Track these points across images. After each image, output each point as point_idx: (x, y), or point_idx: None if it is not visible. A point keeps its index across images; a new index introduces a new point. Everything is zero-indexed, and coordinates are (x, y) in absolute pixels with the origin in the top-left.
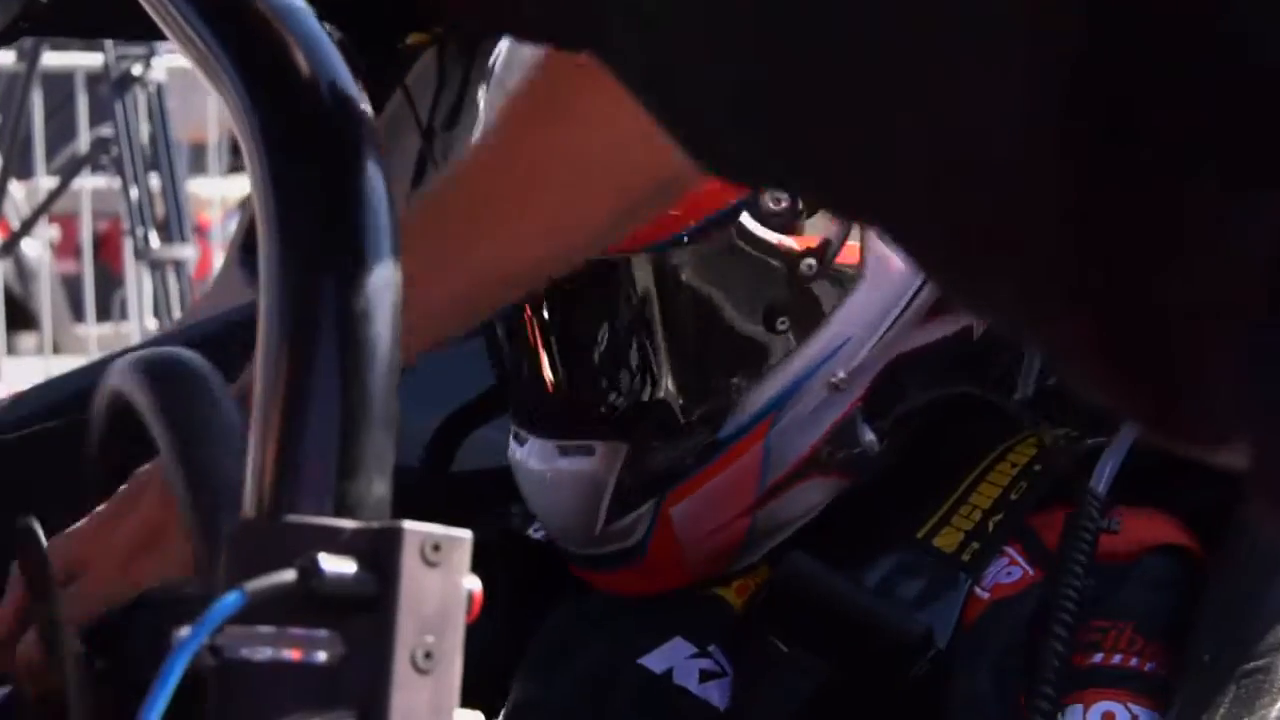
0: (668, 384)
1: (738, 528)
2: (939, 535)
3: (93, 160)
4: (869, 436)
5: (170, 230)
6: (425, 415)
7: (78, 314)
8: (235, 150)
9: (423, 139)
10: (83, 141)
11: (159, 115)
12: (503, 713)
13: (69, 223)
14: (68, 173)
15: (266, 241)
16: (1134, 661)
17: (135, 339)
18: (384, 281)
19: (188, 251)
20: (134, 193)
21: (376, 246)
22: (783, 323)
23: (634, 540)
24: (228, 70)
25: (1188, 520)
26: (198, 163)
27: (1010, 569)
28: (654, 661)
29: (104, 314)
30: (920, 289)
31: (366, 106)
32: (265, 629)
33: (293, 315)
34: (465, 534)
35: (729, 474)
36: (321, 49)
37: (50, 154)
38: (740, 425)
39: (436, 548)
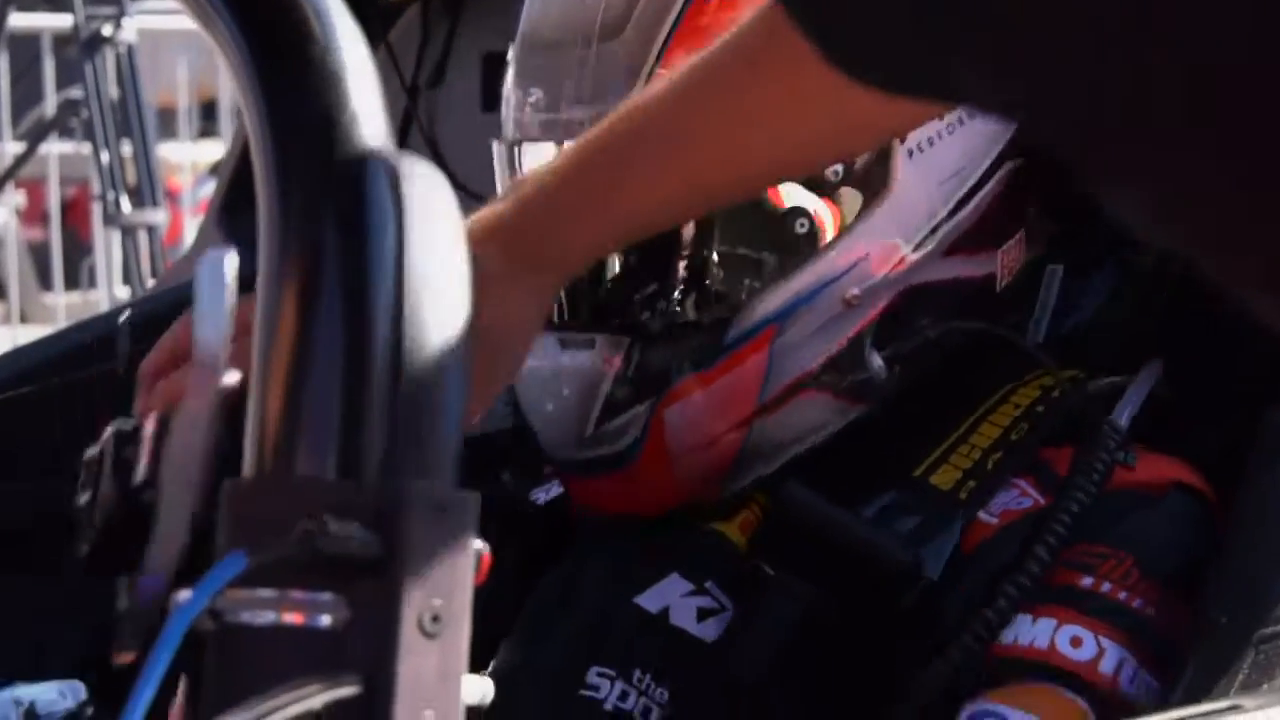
0: (676, 280)
1: (731, 440)
2: (936, 473)
3: (60, 124)
4: (877, 362)
5: (141, 195)
6: None
7: (45, 282)
8: (206, 114)
9: (407, 97)
10: (49, 105)
11: (130, 77)
12: (491, 667)
13: (35, 188)
14: (34, 137)
15: (266, 191)
16: (1123, 595)
17: (104, 307)
18: (390, 233)
19: (159, 216)
20: (104, 157)
21: (381, 195)
22: (802, 224)
23: (625, 443)
24: (226, 21)
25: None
26: (167, 127)
27: (1021, 499)
28: (649, 600)
29: (72, 282)
30: (946, 220)
31: (367, 52)
32: (267, 592)
33: (295, 266)
34: (473, 494)
35: (729, 379)
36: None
37: (16, 118)
38: (746, 330)
39: (444, 508)
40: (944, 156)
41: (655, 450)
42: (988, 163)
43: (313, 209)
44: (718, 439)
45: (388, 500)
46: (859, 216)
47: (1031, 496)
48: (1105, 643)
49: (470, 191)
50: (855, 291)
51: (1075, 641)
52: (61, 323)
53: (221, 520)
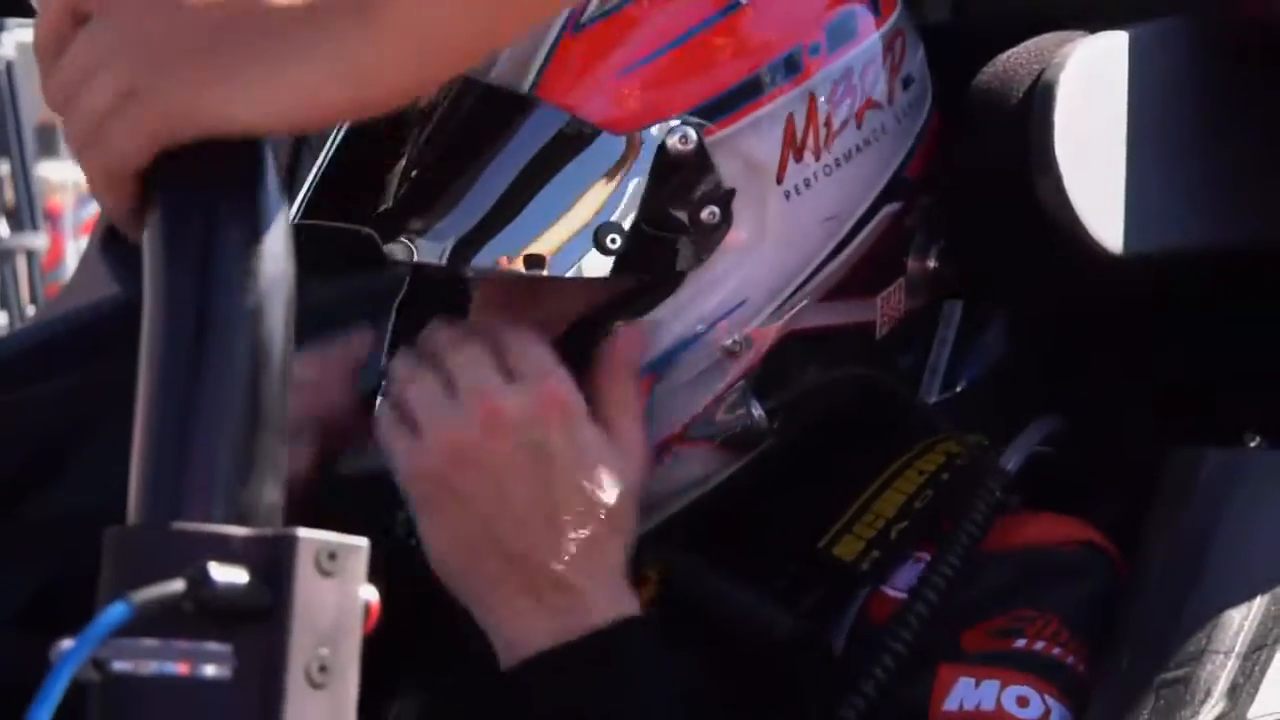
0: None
1: None
2: (839, 544)
3: None
4: (757, 411)
5: (20, 217)
6: None
7: None
8: None
9: None
10: None
11: (8, 94)
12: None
13: None
14: None
15: (151, 232)
16: (1056, 651)
17: None
18: (277, 276)
19: (39, 240)
20: None
21: (270, 240)
22: (682, 267)
23: None
24: None
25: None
26: (48, 145)
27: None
28: None
29: None
30: (824, 264)
31: None
32: (152, 642)
33: (180, 312)
34: (361, 542)
35: None
36: None
37: None
38: None
39: (332, 556)
40: (821, 198)
41: None
42: (865, 206)
43: (199, 250)
44: None
45: (275, 549)
46: (734, 260)
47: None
48: (1050, 701)
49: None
50: (735, 338)
51: (1021, 701)
52: None
53: (105, 569)
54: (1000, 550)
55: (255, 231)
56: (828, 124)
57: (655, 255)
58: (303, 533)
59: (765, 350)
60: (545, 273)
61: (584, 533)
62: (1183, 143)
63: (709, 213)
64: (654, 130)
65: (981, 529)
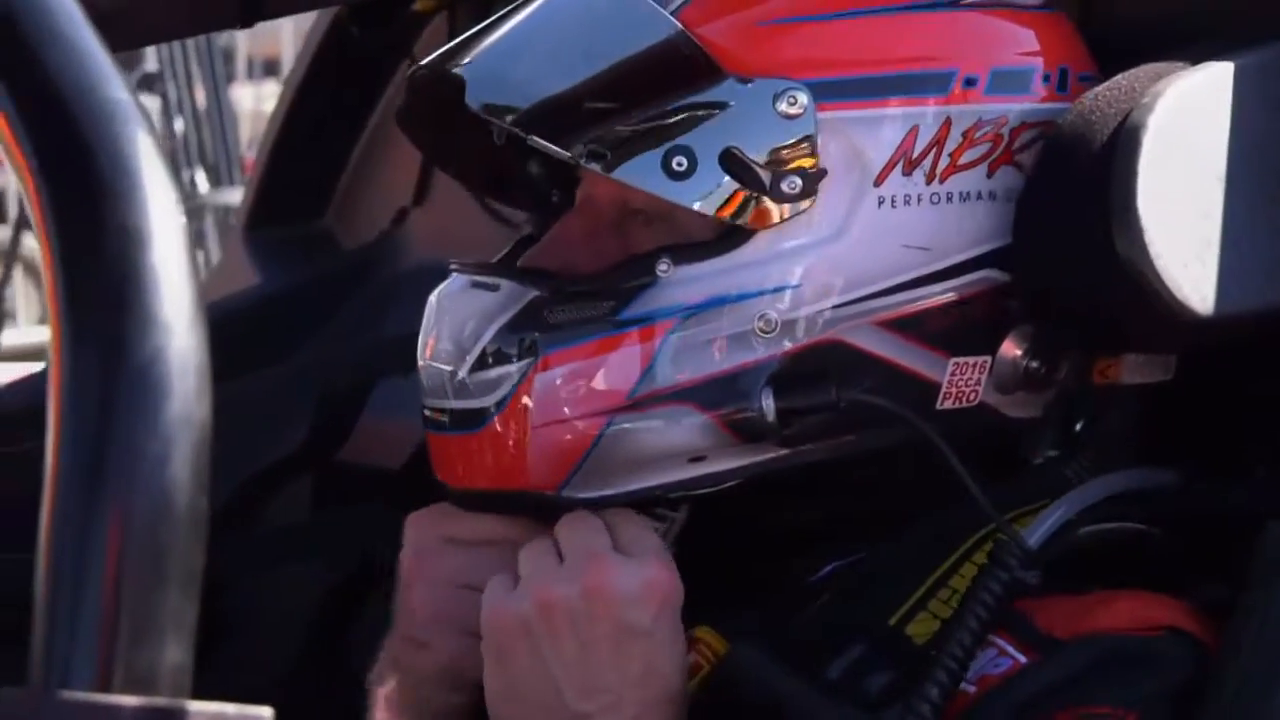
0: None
1: (586, 430)
2: (913, 622)
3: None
4: (769, 402)
5: (219, 173)
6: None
7: None
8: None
9: None
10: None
11: (207, 57)
12: None
13: None
14: None
15: (55, 366)
16: None
17: None
18: (184, 419)
19: (236, 196)
20: (179, 127)
21: (177, 378)
22: (741, 221)
23: (492, 399)
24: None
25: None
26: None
27: (999, 659)
28: None
29: None
30: (897, 290)
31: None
32: None
33: (75, 455)
34: (265, 712)
35: (610, 359)
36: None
37: None
38: (645, 313)
39: None
40: (916, 223)
41: (516, 415)
42: (965, 256)
43: (99, 386)
44: (574, 422)
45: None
46: (804, 241)
47: (1010, 656)
48: None
49: (502, 217)
50: (772, 318)
51: None
52: None
53: None
54: (1072, 636)
55: (163, 368)
56: (953, 156)
57: (723, 201)
58: (194, 706)
59: (801, 345)
60: (598, 168)
61: (648, 711)
62: None
63: (790, 183)
64: (767, 81)
65: (989, 610)
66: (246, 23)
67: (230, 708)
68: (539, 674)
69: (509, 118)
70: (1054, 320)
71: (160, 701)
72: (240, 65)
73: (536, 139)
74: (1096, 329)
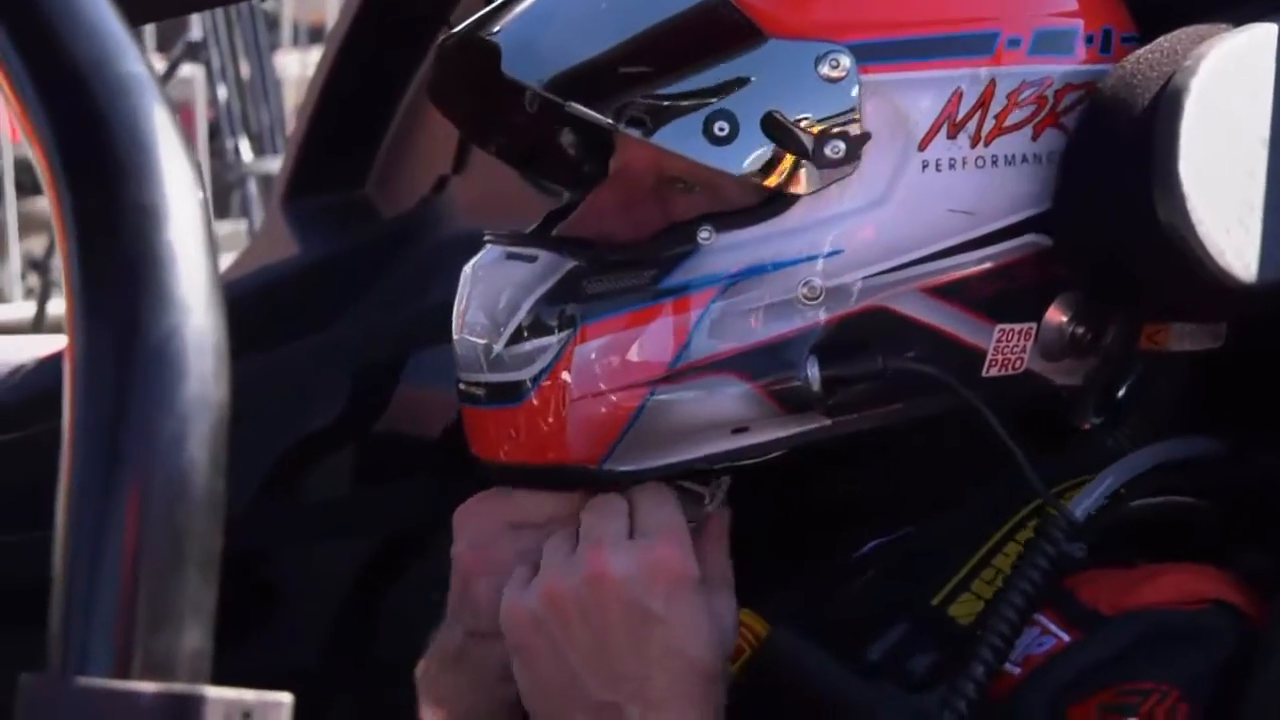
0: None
1: (626, 401)
2: (956, 602)
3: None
4: (814, 370)
5: (263, 141)
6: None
7: None
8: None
9: None
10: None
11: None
12: None
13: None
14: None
15: (71, 348)
16: None
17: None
18: (201, 399)
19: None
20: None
21: (193, 357)
22: (783, 187)
23: (530, 372)
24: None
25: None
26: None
27: (1042, 638)
28: None
29: (222, 210)
30: (942, 255)
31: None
32: None
33: (91, 437)
34: (284, 698)
35: (651, 329)
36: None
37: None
38: (686, 281)
39: (247, 715)
40: (961, 186)
41: (555, 388)
42: (1011, 220)
43: (115, 363)
44: (614, 394)
45: (183, 708)
46: (848, 207)
47: (1053, 635)
48: None
49: (543, 186)
50: (817, 284)
51: None
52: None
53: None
54: (1116, 612)
55: (179, 347)
56: (998, 118)
57: (765, 166)
58: (212, 692)
59: (846, 312)
60: (638, 134)
61: (675, 692)
62: None
63: (834, 147)
64: (808, 43)
65: (1035, 585)
66: None
67: (249, 694)
68: (560, 668)
69: (545, 84)
70: (1098, 286)
71: (179, 687)
72: (285, 32)
73: (575, 105)
74: (1139, 296)
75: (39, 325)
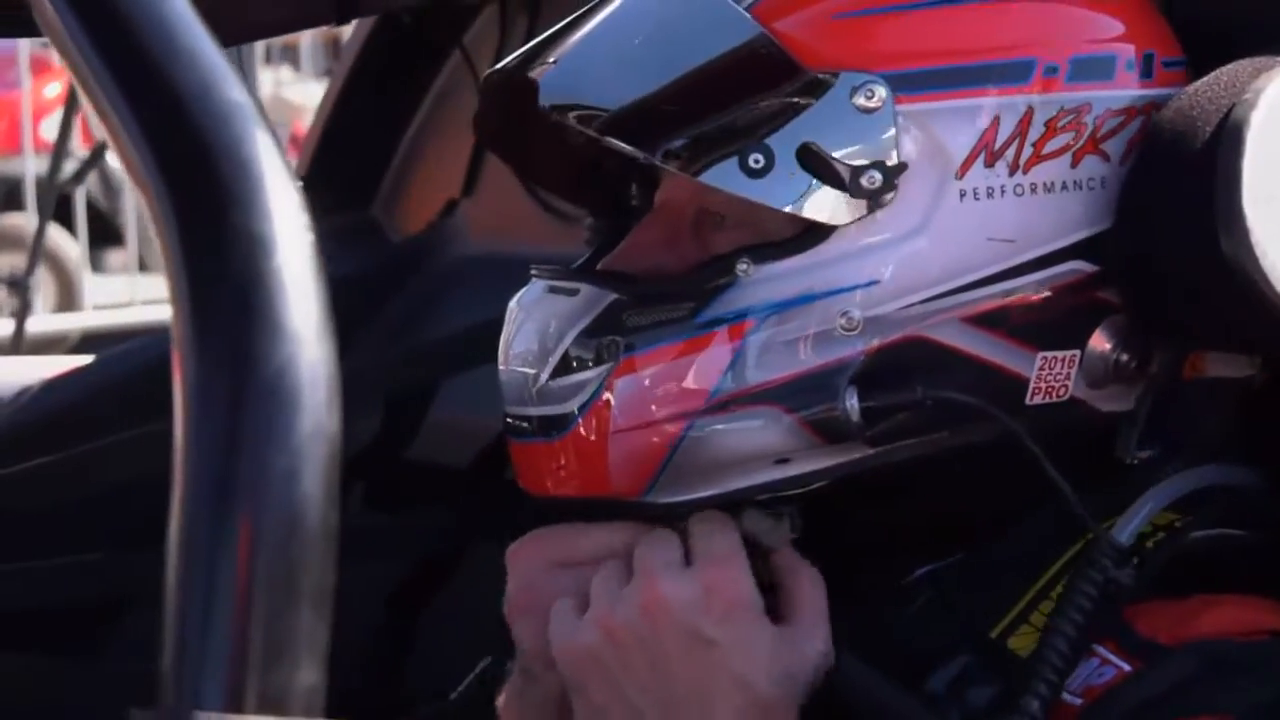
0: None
1: (667, 433)
2: (1015, 634)
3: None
4: (853, 401)
5: None
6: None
7: None
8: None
9: None
10: None
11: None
12: None
13: None
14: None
15: (181, 379)
16: None
17: None
18: (315, 432)
19: None
20: None
21: (306, 390)
22: (820, 218)
23: (570, 406)
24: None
25: None
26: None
27: (1102, 669)
28: None
29: None
30: (982, 284)
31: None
32: None
33: (202, 471)
34: None
35: (690, 361)
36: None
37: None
38: (725, 314)
39: None
40: (1000, 214)
41: (597, 420)
42: (1051, 248)
43: (227, 398)
44: (655, 426)
45: None
46: (885, 237)
47: (1114, 665)
48: None
49: (552, 208)
50: (855, 315)
51: None
52: None
53: None
54: (1176, 643)
55: (293, 380)
56: (1036, 146)
57: (801, 198)
58: None
59: (884, 342)
60: (676, 169)
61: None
62: None
63: (870, 178)
64: (844, 74)
65: (1084, 613)
66: (343, 19)
67: None
68: (619, 701)
69: (586, 122)
70: (1153, 316)
71: None
72: (258, 49)
73: (614, 141)
74: (1195, 325)
75: (17, 345)
